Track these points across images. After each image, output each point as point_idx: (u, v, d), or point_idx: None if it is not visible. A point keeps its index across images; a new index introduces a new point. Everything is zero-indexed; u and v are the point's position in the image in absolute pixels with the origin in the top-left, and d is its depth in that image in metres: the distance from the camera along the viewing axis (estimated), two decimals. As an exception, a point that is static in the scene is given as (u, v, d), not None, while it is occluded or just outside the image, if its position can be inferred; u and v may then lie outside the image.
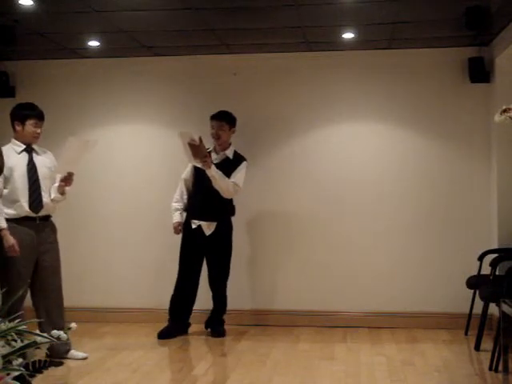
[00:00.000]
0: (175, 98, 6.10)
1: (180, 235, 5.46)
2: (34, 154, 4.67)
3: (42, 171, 4.66)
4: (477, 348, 4.93)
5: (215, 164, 5.32)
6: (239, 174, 5.38)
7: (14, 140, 4.67)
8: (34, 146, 4.70)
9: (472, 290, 5.31)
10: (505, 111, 4.03)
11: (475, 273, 5.31)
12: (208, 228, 5.37)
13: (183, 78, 6.10)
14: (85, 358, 4.70)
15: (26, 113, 4.63)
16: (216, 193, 5.28)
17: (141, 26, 5.15)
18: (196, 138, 5.12)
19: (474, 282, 5.21)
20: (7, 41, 5.03)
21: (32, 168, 4.63)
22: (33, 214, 4.58)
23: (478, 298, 5.00)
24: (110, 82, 6.17)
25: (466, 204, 5.78)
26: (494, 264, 4.89)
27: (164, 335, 5.37)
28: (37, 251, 4.61)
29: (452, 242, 5.77)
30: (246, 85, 6.02)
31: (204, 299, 5.50)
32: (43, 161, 4.70)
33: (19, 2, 4.48)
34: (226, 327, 5.50)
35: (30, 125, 4.62)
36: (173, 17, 4.91)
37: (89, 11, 4.71)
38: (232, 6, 4.65)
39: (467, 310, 5.46)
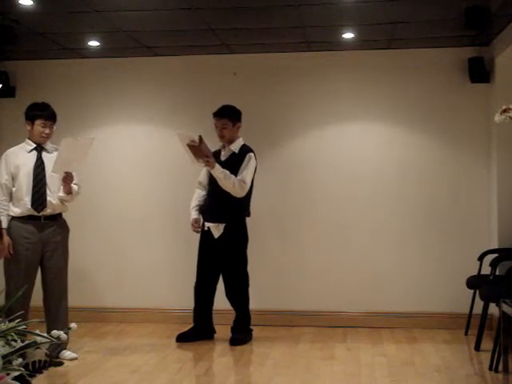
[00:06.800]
0: (175, 98, 6.10)
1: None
2: (44, 153, 4.71)
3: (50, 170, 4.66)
4: (477, 348, 4.93)
5: (223, 161, 5.17)
6: (246, 170, 5.11)
7: (27, 139, 4.75)
8: (46, 145, 4.74)
9: (472, 290, 5.31)
10: (505, 111, 4.04)
11: (475, 273, 5.32)
12: (216, 230, 5.18)
13: (183, 78, 6.10)
14: (74, 359, 4.67)
15: (35, 113, 4.69)
16: (224, 193, 5.07)
17: (141, 25, 5.15)
18: (195, 138, 4.92)
19: (474, 282, 5.21)
20: (7, 41, 5.03)
21: (39, 167, 4.65)
22: (36, 213, 4.59)
23: (478, 298, 5.00)
24: (110, 82, 6.17)
25: (466, 204, 5.77)
26: (494, 264, 4.89)
27: (181, 338, 5.24)
28: (41, 251, 4.63)
29: (452, 242, 5.77)
30: (245, 85, 6.02)
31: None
32: (53, 159, 4.67)
33: (19, 1, 4.48)
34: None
35: (38, 125, 4.67)
36: (173, 17, 4.91)
37: (89, 11, 4.71)
38: (232, 6, 4.64)
39: (467, 310, 5.47)
